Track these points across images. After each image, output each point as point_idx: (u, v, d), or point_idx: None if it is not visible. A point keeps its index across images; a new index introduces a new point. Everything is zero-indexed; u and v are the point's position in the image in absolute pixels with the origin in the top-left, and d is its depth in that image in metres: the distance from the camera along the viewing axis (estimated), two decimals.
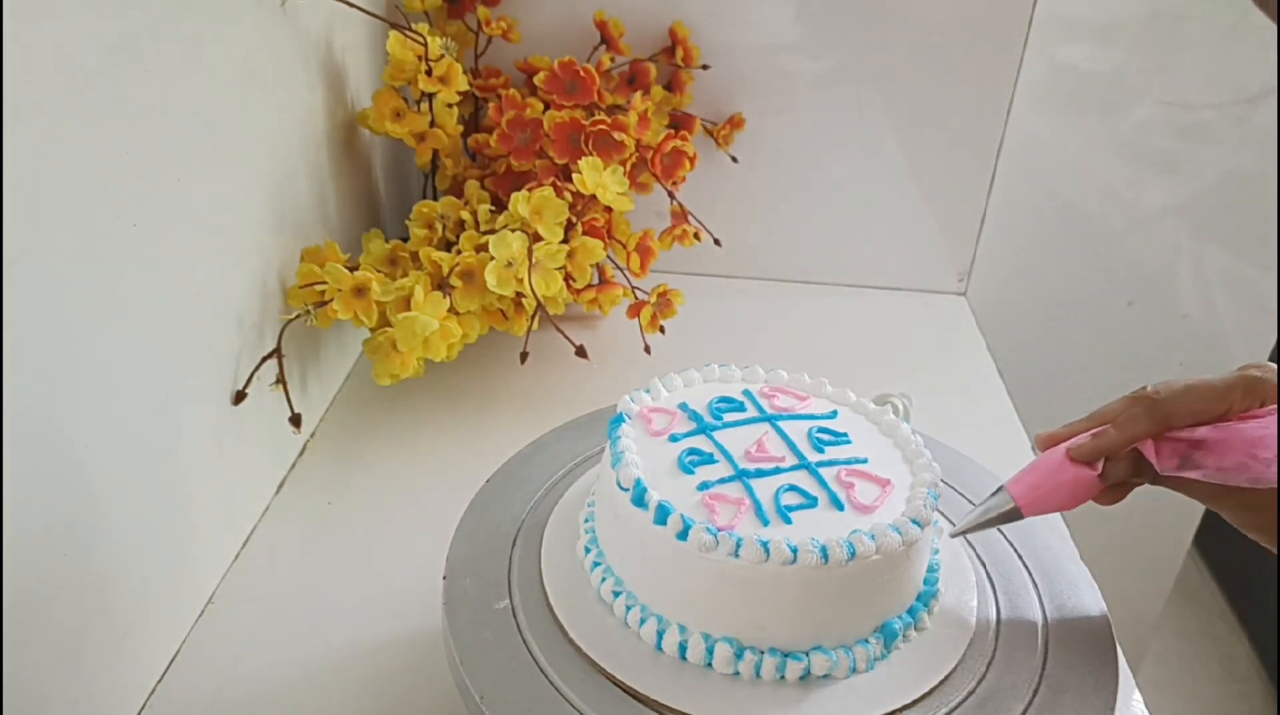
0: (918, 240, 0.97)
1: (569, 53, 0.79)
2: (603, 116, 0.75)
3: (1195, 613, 1.67)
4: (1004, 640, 0.46)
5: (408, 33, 0.71)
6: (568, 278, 0.72)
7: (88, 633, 0.46)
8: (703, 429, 0.50)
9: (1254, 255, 1.10)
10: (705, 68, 0.88)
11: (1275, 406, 0.43)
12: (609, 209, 0.75)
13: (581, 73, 0.77)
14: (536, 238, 0.69)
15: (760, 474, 0.46)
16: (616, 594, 0.45)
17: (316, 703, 0.52)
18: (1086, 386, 1.16)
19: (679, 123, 0.88)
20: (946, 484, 0.54)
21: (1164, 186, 1.09)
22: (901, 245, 0.98)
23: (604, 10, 0.85)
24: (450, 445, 0.72)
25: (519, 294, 0.70)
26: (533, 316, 0.72)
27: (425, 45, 0.71)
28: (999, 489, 0.47)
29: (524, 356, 0.72)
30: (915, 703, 0.42)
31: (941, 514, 0.52)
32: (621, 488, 0.45)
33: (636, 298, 0.79)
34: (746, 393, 0.53)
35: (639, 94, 0.82)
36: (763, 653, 0.42)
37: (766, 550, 0.41)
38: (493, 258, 0.67)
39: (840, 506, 0.45)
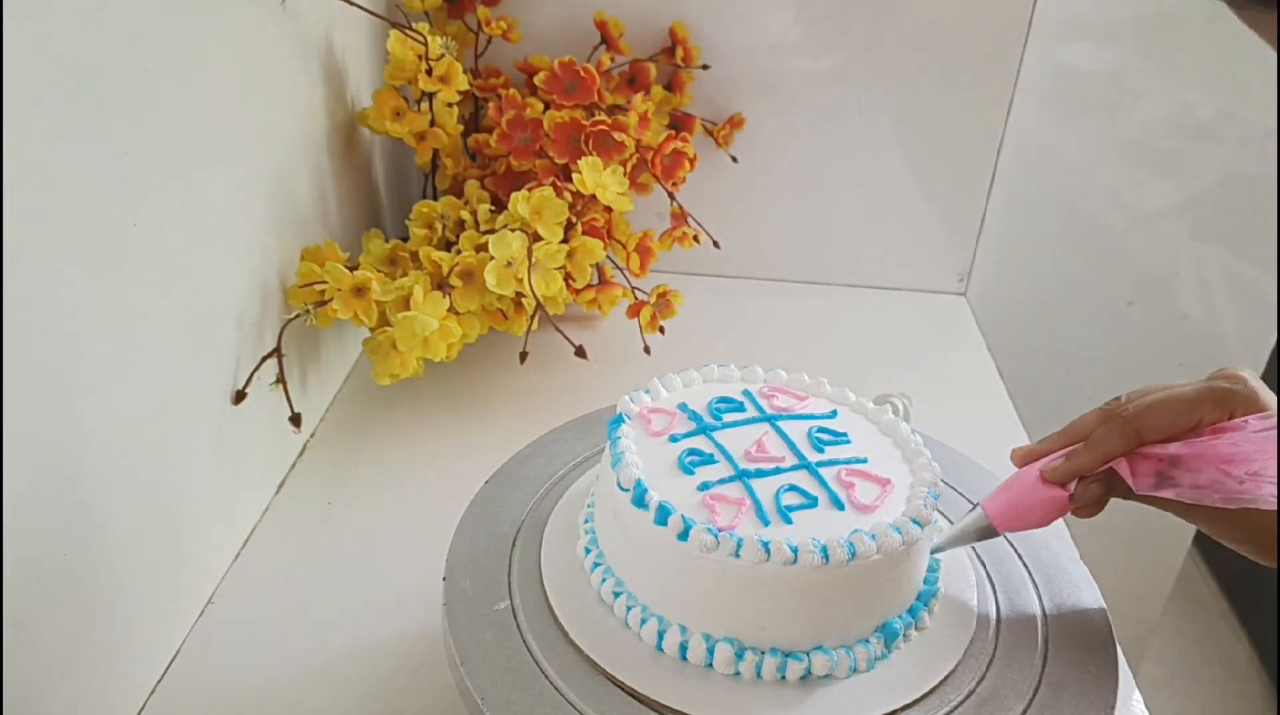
0: (918, 240, 0.97)
1: (569, 53, 0.79)
2: (603, 116, 0.75)
3: (1195, 613, 1.67)
4: (1004, 640, 0.46)
5: (408, 32, 0.71)
6: (568, 278, 0.72)
7: (88, 633, 0.46)
8: (702, 429, 0.50)
9: (1254, 255, 1.10)
10: (705, 68, 0.88)
11: (1244, 418, 0.42)
12: (609, 209, 0.75)
13: (581, 73, 0.77)
14: (536, 238, 0.69)
15: (760, 474, 0.46)
16: (617, 594, 0.45)
17: (316, 703, 0.52)
18: (1086, 386, 1.16)
19: (679, 123, 0.88)
20: (946, 484, 0.54)
21: (1164, 186, 1.09)
22: (901, 245, 0.98)
23: (604, 10, 0.85)
24: (450, 445, 0.72)
25: (519, 294, 0.70)
26: (532, 316, 0.72)
27: (425, 45, 0.71)
28: (975, 506, 0.48)
29: (524, 356, 0.72)
30: (915, 703, 0.42)
31: (941, 513, 0.52)
32: (622, 488, 0.45)
33: (636, 298, 0.79)
34: (746, 393, 0.53)
35: (639, 94, 0.82)
36: (764, 653, 0.42)
37: (767, 551, 0.41)
38: (493, 258, 0.67)
39: (841, 506, 0.45)
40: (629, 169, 0.75)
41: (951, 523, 0.50)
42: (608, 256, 0.78)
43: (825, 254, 0.98)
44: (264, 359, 0.61)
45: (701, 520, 0.43)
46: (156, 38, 0.48)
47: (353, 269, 0.66)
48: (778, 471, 0.47)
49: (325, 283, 0.64)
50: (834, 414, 0.52)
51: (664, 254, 0.82)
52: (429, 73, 0.72)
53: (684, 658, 0.43)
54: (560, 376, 0.80)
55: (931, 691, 0.43)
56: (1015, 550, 0.52)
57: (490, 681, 0.42)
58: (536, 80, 0.79)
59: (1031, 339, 1.16)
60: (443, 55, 0.72)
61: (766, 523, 0.43)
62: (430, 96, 0.74)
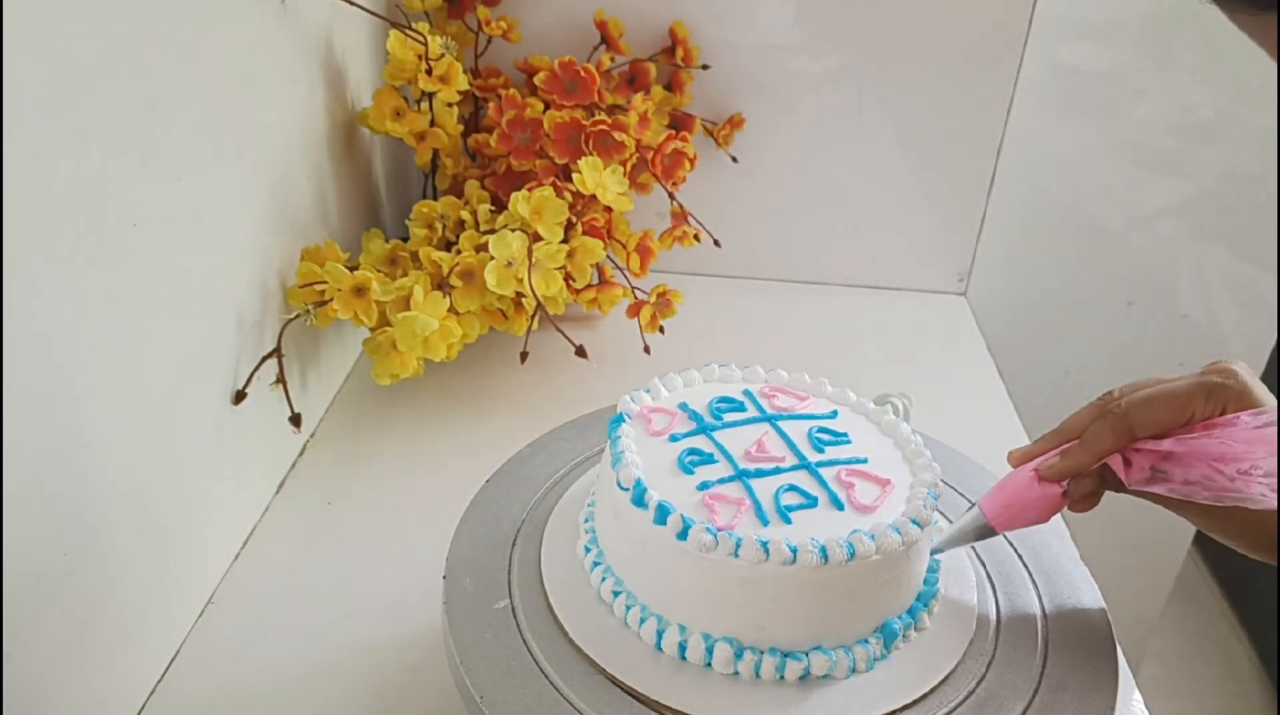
0: (918, 240, 0.97)
1: (569, 53, 0.79)
2: (603, 116, 0.75)
3: (1195, 613, 1.67)
4: (1004, 640, 0.46)
5: (408, 32, 0.71)
6: (568, 278, 0.72)
7: (88, 633, 0.46)
8: (702, 429, 0.50)
9: (1254, 255, 1.10)
10: (705, 68, 0.88)
11: (1237, 414, 0.43)
12: (609, 209, 0.75)
13: (581, 73, 0.77)
14: (536, 238, 0.69)
15: (760, 474, 0.46)
16: (616, 594, 0.45)
17: (316, 703, 0.52)
18: (1086, 386, 1.15)
19: (679, 123, 0.88)
20: (946, 484, 0.54)
21: (1164, 186, 1.09)
22: (901, 245, 0.98)
23: (604, 10, 0.85)
24: (450, 445, 0.72)
25: (519, 294, 0.70)
26: (533, 316, 0.72)
27: (425, 45, 0.71)
28: (973, 506, 0.48)
29: (524, 356, 0.72)
30: (915, 703, 0.42)
31: (941, 514, 0.52)
32: (621, 488, 0.45)
33: (636, 298, 0.79)
34: (747, 393, 0.53)
35: (639, 94, 0.82)
36: (762, 653, 0.42)
37: (766, 551, 0.41)
38: (493, 258, 0.67)
39: (840, 506, 0.45)
40: (629, 169, 0.75)
41: (951, 523, 0.50)
42: (608, 256, 0.78)
43: (825, 254, 0.98)
44: (264, 359, 0.61)
45: (701, 520, 0.43)
46: (156, 38, 0.48)
47: (353, 269, 0.66)
48: (778, 471, 0.47)
49: (325, 283, 0.65)
50: (834, 414, 0.52)
51: (664, 254, 0.82)
52: (429, 73, 0.72)
53: (683, 657, 0.43)
54: (560, 376, 0.80)
55: (931, 692, 0.43)
56: (1015, 550, 0.52)
57: (490, 681, 0.42)
58: (536, 80, 0.79)
59: (1031, 339, 1.16)
60: (443, 55, 0.72)
61: (766, 523, 0.43)
62: (430, 96, 0.74)
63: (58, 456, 0.43)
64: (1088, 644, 0.46)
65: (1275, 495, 0.40)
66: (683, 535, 0.42)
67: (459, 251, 0.69)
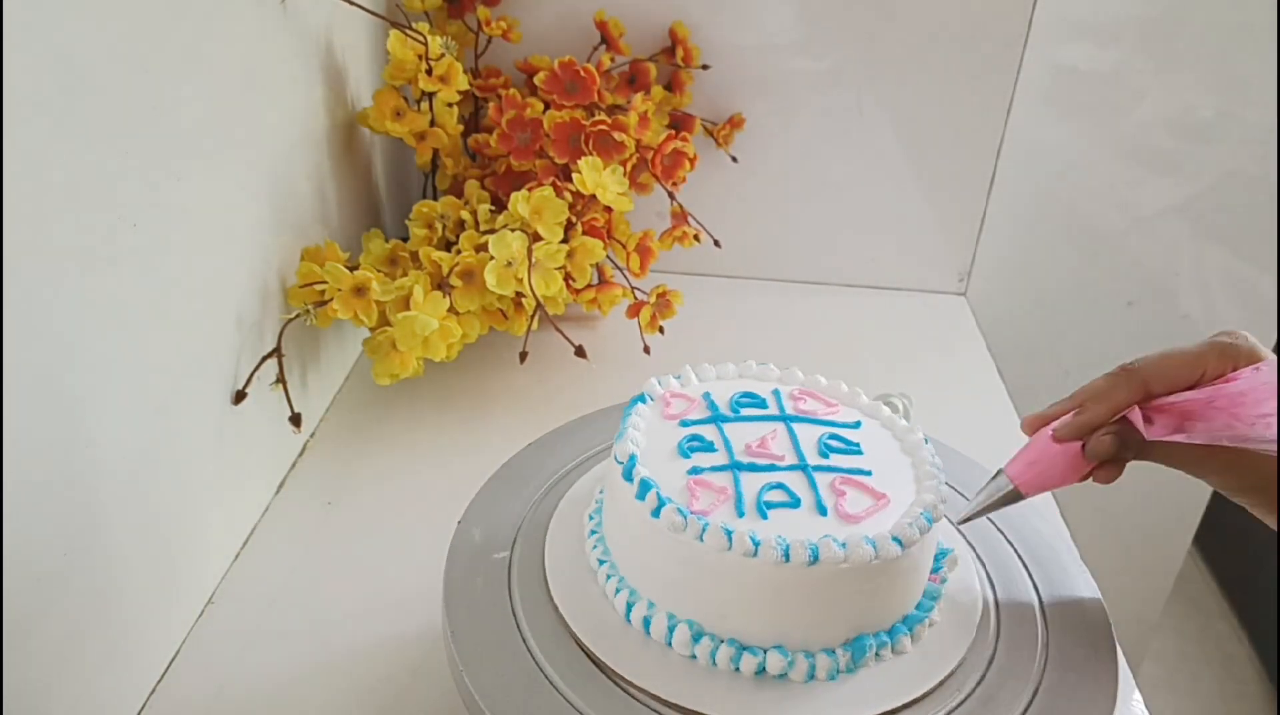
0: (918, 240, 0.97)
1: (569, 53, 0.79)
2: (603, 116, 0.75)
3: (1195, 613, 1.67)
4: (1003, 640, 0.46)
5: (408, 32, 0.71)
6: (567, 278, 0.72)
7: (88, 633, 0.46)
8: (714, 419, 0.50)
9: (1254, 255, 1.10)
10: (705, 68, 0.88)
11: (1248, 367, 0.44)
12: (609, 209, 0.75)
13: (581, 73, 0.77)
14: (536, 238, 0.69)
15: (753, 468, 0.46)
16: (619, 591, 0.45)
17: (316, 703, 0.52)
18: None
19: (679, 123, 0.88)
20: (947, 485, 0.54)
21: (1164, 186, 1.09)
22: (901, 245, 0.98)
23: (604, 10, 0.85)
24: (450, 445, 0.72)
25: (519, 294, 0.70)
26: (532, 316, 0.72)
27: (425, 44, 0.71)
28: (998, 472, 0.48)
29: (524, 356, 0.72)
30: (915, 702, 0.42)
31: (950, 521, 0.51)
32: (617, 461, 0.46)
33: (636, 298, 0.79)
34: (775, 392, 0.53)
35: (639, 94, 0.83)
36: (721, 641, 0.43)
37: (729, 539, 0.41)
38: (493, 258, 0.67)
39: (824, 512, 0.44)
40: (629, 169, 0.75)
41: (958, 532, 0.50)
42: (608, 256, 0.78)
43: (825, 254, 0.98)
44: (264, 359, 0.61)
45: (681, 502, 0.43)
46: (156, 38, 0.48)
47: (353, 269, 0.66)
48: (771, 468, 0.47)
49: (325, 283, 0.65)
50: (858, 425, 0.51)
51: (664, 254, 0.82)
52: (429, 73, 0.72)
53: (647, 633, 0.44)
54: (560, 376, 0.80)
55: (931, 692, 0.43)
56: (1015, 550, 0.52)
57: (490, 681, 0.42)
58: (536, 80, 0.79)
59: (1031, 339, 1.16)
60: (443, 55, 0.72)
61: (741, 515, 0.43)
62: (430, 96, 0.74)
63: (58, 456, 0.43)
64: (1088, 644, 0.46)
65: None
66: (656, 513, 0.43)
67: (459, 251, 0.69)
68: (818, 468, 0.47)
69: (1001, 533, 0.53)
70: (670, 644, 0.43)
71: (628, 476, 0.45)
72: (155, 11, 0.48)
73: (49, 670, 0.44)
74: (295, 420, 0.64)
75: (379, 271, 0.68)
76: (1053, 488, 0.47)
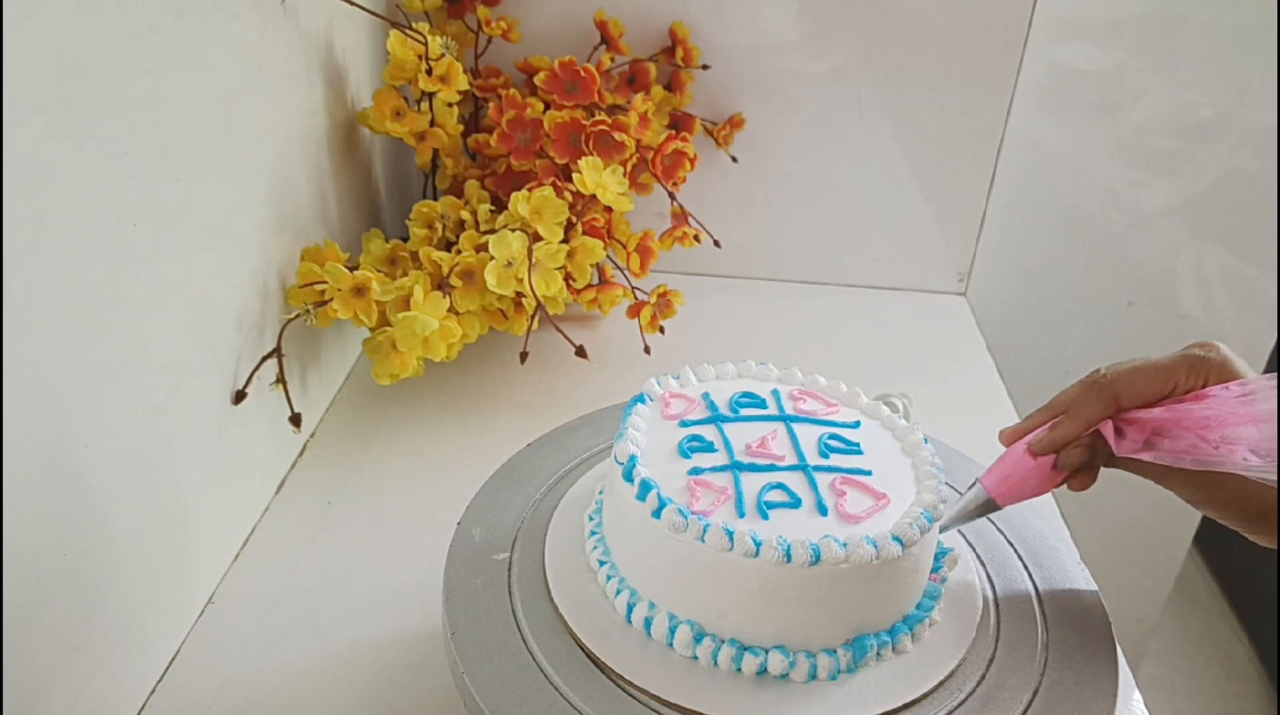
0: (918, 240, 0.97)
1: (569, 53, 0.79)
2: (603, 116, 0.75)
3: (1195, 613, 1.67)
4: (1004, 640, 0.46)
5: (408, 32, 0.71)
6: (568, 278, 0.72)
7: (88, 633, 0.46)
8: (714, 419, 0.50)
9: (1254, 255, 1.10)
10: (705, 68, 0.88)
11: (1221, 385, 0.44)
12: (609, 209, 0.75)
13: (581, 73, 0.77)
14: (536, 238, 0.69)
15: (754, 468, 0.46)
16: (619, 592, 0.45)
17: (316, 703, 0.52)
18: None
19: (679, 123, 0.88)
20: (947, 484, 0.54)
21: (1164, 186, 1.09)
22: (901, 245, 0.98)
23: (604, 10, 0.85)
24: (450, 445, 0.72)
25: (519, 294, 0.70)
26: (533, 316, 0.72)
27: (425, 44, 0.71)
28: (974, 483, 0.49)
29: (524, 356, 0.72)
30: (915, 703, 0.42)
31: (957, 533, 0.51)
32: (617, 461, 0.46)
33: (636, 298, 0.79)
34: (775, 392, 0.53)
35: (639, 94, 0.82)
36: (722, 642, 0.43)
37: (731, 540, 0.41)
38: (493, 258, 0.67)
39: (824, 512, 0.44)
40: (629, 169, 0.75)
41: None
42: (608, 256, 0.78)
43: (825, 254, 0.98)
44: (264, 359, 0.61)
45: (682, 502, 0.43)
46: (156, 38, 0.48)
47: (353, 269, 0.66)
48: (772, 468, 0.47)
49: (325, 283, 0.65)
50: (857, 425, 0.51)
51: (664, 254, 0.82)
52: (429, 73, 0.72)
53: (648, 632, 0.44)
54: (560, 376, 0.80)
55: (931, 692, 0.43)
56: (1015, 550, 0.52)
57: (490, 681, 0.42)
58: (536, 80, 0.79)
59: (1031, 339, 1.16)
60: (443, 55, 0.72)
61: (742, 515, 0.44)
62: (430, 96, 0.74)
63: (58, 456, 0.43)
64: (1088, 644, 0.46)
65: (1257, 462, 0.41)
66: (657, 513, 0.43)
67: (459, 251, 0.69)
68: (818, 468, 0.47)
69: (1001, 533, 0.53)
70: (671, 645, 0.43)
71: (628, 477, 0.45)
72: (155, 12, 0.48)
73: (49, 670, 0.44)
74: (295, 420, 0.64)
75: (379, 271, 0.68)
76: (1027, 498, 0.48)
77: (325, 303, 0.64)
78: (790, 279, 0.99)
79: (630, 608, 0.44)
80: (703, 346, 0.83)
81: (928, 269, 0.99)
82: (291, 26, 0.65)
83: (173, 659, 0.54)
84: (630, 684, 0.42)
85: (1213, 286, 1.13)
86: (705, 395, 0.52)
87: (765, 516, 0.44)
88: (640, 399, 0.51)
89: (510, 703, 0.41)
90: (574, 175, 0.71)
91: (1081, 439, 0.47)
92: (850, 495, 0.45)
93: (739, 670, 0.42)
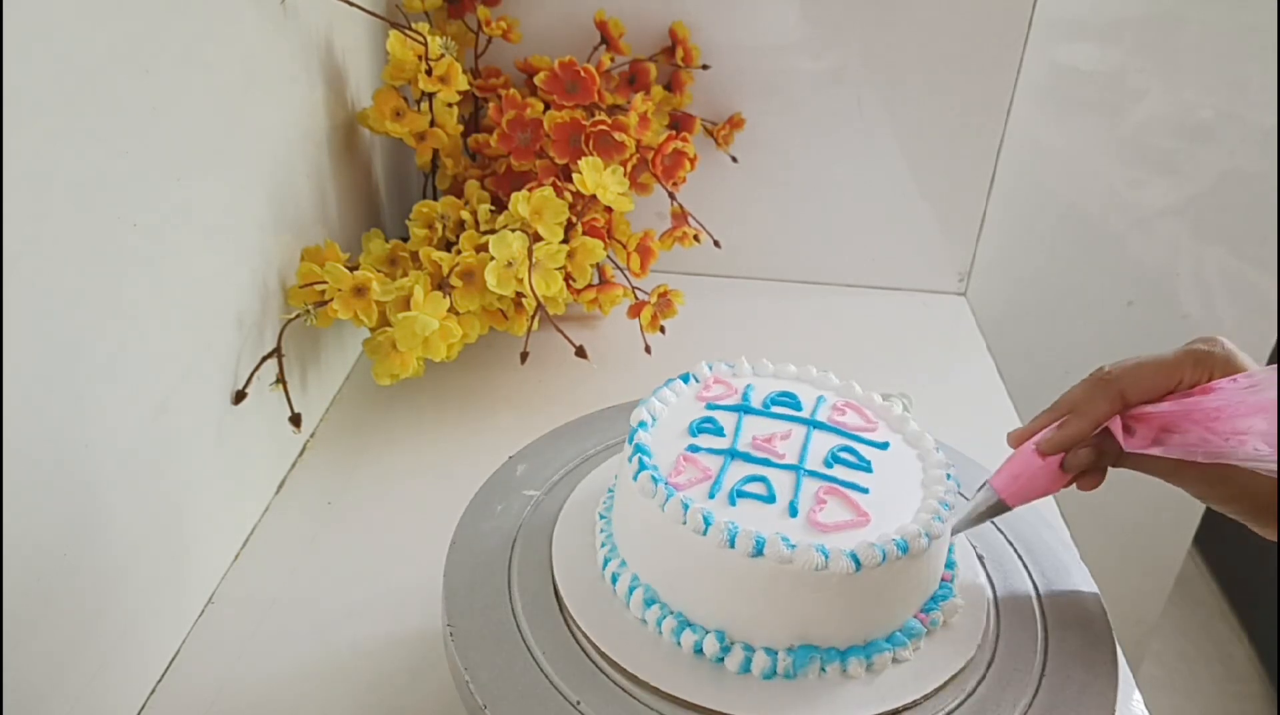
0: (918, 240, 0.97)
1: (569, 53, 0.79)
2: (603, 117, 0.75)
3: (1195, 613, 1.67)
4: (1004, 640, 0.46)
5: (408, 32, 0.71)
6: (568, 278, 0.72)
7: (87, 633, 0.46)
8: (740, 408, 0.50)
9: (1254, 255, 1.10)
10: (705, 68, 0.88)
11: (1225, 379, 0.44)
12: (609, 209, 0.75)
13: (581, 73, 0.77)
14: (536, 238, 0.69)
15: (748, 459, 0.47)
16: (631, 590, 0.45)
17: (316, 703, 0.52)
18: None
19: (679, 123, 0.88)
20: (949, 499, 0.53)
21: (1164, 186, 1.09)
22: (901, 245, 0.98)
23: (604, 10, 0.85)
24: (450, 445, 0.72)
25: (519, 294, 0.70)
26: (533, 316, 0.72)
27: (425, 45, 0.71)
28: (984, 485, 0.49)
29: (524, 356, 0.72)
30: (915, 703, 0.42)
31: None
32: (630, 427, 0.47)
33: (637, 298, 0.79)
34: (820, 398, 0.52)
35: (639, 94, 0.82)
36: (673, 614, 0.43)
37: (684, 513, 0.42)
38: (493, 258, 0.67)
39: (794, 514, 0.44)
40: (629, 169, 0.75)
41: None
42: (608, 256, 0.78)
43: (825, 254, 0.98)
44: (264, 359, 0.61)
45: (665, 473, 0.44)
46: (156, 38, 0.48)
47: (353, 269, 0.66)
48: (765, 463, 0.47)
49: (325, 283, 0.65)
50: (886, 445, 0.50)
51: (664, 254, 0.82)
52: (429, 73, 0.72)
53: (659, 631, 0.44)
54: (560, 376, 0.80)
55: (931, 692, 0.43)
56: (1015, 550, 0.52)
57: (490, 681, 0.42)
58: (536, 80, 0.79)
59: (1031, 339, 1.16)
60: (443, 55, 0.72)
61: (712, 496, 0.44)
62: (430, 96, 0.74)
63: (58, 456, 0.43)
64: (1088, 645, 0.46)
65: (1268, 453, 0.41)
66: (635, 476, 0.44)
67: (459, 251, 0.69)
68: (813, 473, 0.46)
69: (1001, 533, 0.53)
70: (679, 644, 0.43)
71: (630, 439, 0.46)
72: (155, 12, 0.48)
73: (49, 670, 0.44)
74: (295, 420, 0.64)
75: (379, 271, 0.68)
76: (1037, 498, 0.48)
77: (325, 303, 0.64)
78: (790, 279, 0.99)
79: (632, 598, 0.45)
80: (704, 346, 0.83)
81: (927, 269, 0.99)
82: (291, 26, 0.65)
83: (172, 659, 0.54)
84: (632, 679, 0.42)
85: (1213, 286, 1.13)
86: (748, 387, 0.52)
87: (733, 503, 0.44)
88: (685, 377, 0.51)
89: (511, 703, 0.41)
90: (574, 175, 0.71)
91: (1089, 438, 0.47)
92: (830, 505, 0.44)
93: (700, 652, 0.43)
